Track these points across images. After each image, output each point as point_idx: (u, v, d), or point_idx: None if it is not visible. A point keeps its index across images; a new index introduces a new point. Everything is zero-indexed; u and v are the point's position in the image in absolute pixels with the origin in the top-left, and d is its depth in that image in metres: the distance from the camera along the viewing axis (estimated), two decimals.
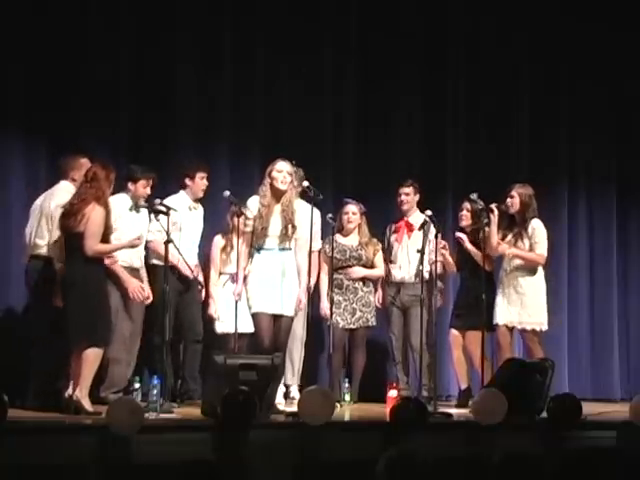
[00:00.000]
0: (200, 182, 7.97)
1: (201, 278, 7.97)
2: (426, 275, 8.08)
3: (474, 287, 8.09)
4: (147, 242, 7.68)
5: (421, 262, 7.93)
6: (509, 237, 8.13)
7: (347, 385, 8.15)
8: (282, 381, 7.79)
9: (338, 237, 8.35)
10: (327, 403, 6.18)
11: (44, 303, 6.99)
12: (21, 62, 7.90)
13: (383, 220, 8.75)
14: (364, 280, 8.41)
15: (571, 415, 6.61)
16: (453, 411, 7.57)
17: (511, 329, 8.11)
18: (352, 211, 8.39)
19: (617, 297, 10.07)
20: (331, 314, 7.83)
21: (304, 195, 7.53)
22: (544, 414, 6.91)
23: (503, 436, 6.33)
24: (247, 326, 7.51)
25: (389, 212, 8.87)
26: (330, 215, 7.75)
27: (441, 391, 8.80)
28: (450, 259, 8.40)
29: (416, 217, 8.45)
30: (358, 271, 8.38)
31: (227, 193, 7.56)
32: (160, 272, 7.27)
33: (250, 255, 7.32)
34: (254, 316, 7.24)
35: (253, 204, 7.29)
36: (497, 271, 8.28)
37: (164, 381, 6.86)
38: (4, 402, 5.52)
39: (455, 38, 9.80)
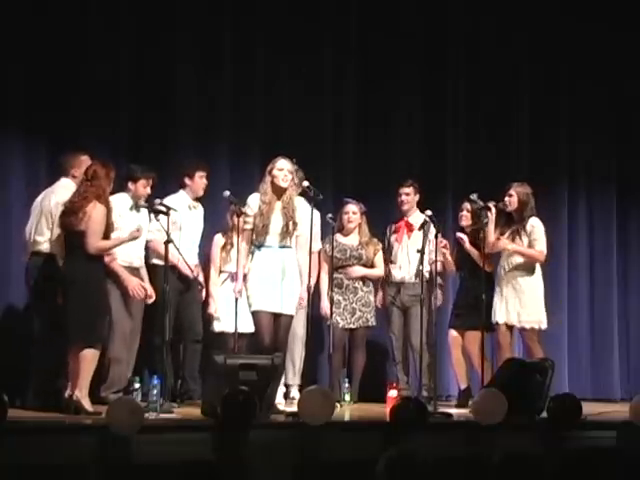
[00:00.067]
0: (199, 181, 7.97)
1: (201, 278, 7.98)
2: (426, 275, 8.08)
3: (474, 287, 8.09)
4: (147, 241, 7.68)
5: (421, 262, 7.93)
6: (506, 235, 8.13)
7: (347, 385, 8.15)
8: (283, 381, 7.80)
9: (338, 237, 8.36)
10: (327, 403, 6.18)
11: (44, 301, 7.00)
12: (21, 62, 7.90)
13: (383, 220, 8.75)
14: (364, 280, 8.41)
15: (571, 415, 6.61)
16: (453, 411, 7.57)
17: (511, 328, 8.11)
18: (352, 211, 8.40)
19: (617, 297, 10.07)
20: (331, 314, 7.83)
21: (304, 195, 7.53)
22: (544, 414, 6.91)
23: (503, 436, 6.33)
24: (246, 326, 7.51)
25: (389, 212, 8.87)
26: (330, 215, 7.75)
27: (441, 391, 8.80)
28: (450, 258, 8.41)
29: (416, 217, 8.45)
30: (358, 270, 8.38)
31: (227, 193, 7.56)
32: (160, 272, 7.27)
33: (250, 253, 7.32)
34: (254, 314, 7.23)
35: (254, 201, 7.27)
36: (496, 271, 8.28)
37: (164, 381, 6.86)
38: (4, 402, 5.52)
39: (455, 38, 9.80)
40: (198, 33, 8.70)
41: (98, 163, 6.89)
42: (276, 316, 7.20)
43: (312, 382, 7.62)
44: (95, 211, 6.64)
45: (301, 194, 7.53)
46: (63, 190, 7.09)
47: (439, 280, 8.21)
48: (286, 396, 8.05)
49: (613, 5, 10.04)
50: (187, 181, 7.97)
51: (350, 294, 8.35)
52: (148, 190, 7.59)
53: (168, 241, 7.04)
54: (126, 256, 7.45)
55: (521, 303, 8.04)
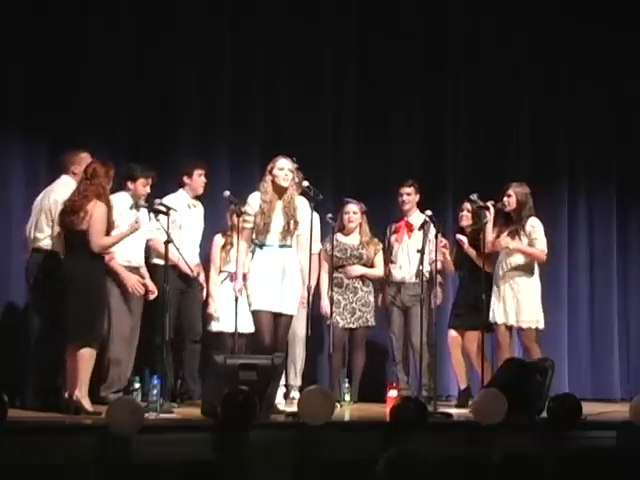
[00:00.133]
0: (198, 179, 7.97)
1: (203, 277, 7.99)
2: (426, 275, 8.08)
3: (473, 287, 8.09)
4: (147, 240, 7.69)
5: (421, 262, 7.92)
6: (505, 235, 8.12)
7: (347, 385, 8.15)
8: (283, 381, 7.81)
9: (339, 236, 8.37)
10: (327, 403, 6.17)
11: (44, 298, 7.00)
12: (21, 62, 7.90)
13: (383, 220, 8.75)
14: (364, 280, 8.41)
15: (571, 415, 6.61)
16: (453, 411, 7.57)
17: (510, 328, 8.11)
18: (353, 210, 8.40)
19: (617, 297, 10.08)
20: (331, 313, 7.83)
21: (304, 195, 7.52)
22: (544, 414, 6.91)
23: (503, 436, 6.32)
24: (245, 326, 7.51)
25: (389, 212, 8.87)
26: (330, 215, 7.75)
27: (441, 391, 8.80)
28: (449, 258, 8.41)
29: (416, 217, 8.45)
30: (357, 269, 8.38)
31: (227, 193, 7.56)
32: (161, 271, 7.27)
33: (251, 252, 7.31)
34: (254, 314, 7.21)
35: (254, 200, 7.25)
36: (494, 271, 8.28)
37: (164, 381, 6.86)
38: (4, 402, 5.52)
39: (455, 38, 9.80)
40: (198, 33, 8.70)
41: (97, 161, 6.89)
42: (276, 316, 7.20)
43: (312, 382, 7.63)
44: (96, 210, 6.64)
45: (301, 194, 7.54)
46: (63, 187, 7.09)
47: (439, 279, 8.22)
48: (286, 396, 8.05)
49: (613, 5, 10.04)
50: (186, 180, 7.97)
51: (350, 294, 8.35)
52: (148, 189, 7.60)
53: (168, 241, 7.04)
54: (125, 255, 7.45)
55: (518, 303, 8.03)
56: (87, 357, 6.60)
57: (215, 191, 7.95)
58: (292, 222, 7.20)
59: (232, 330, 7.65)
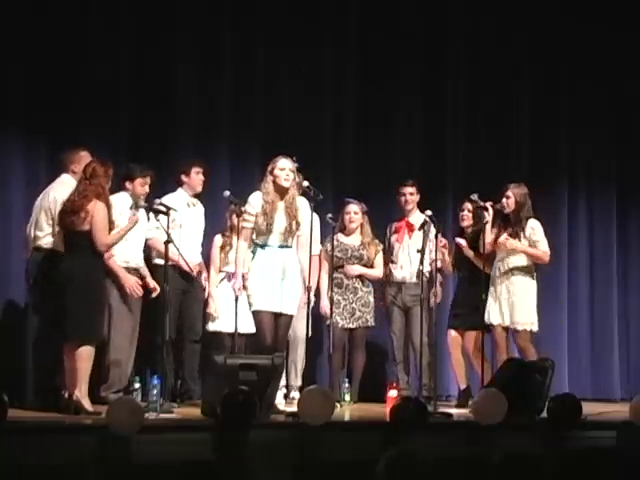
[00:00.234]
0: (196, 177, 7.97)
1: (205, 276, 7.99)
2: (426, 275, 8.08)
3: (473, 288, 8.09)
4: (146, 240, 7.68)
5: (421, 262, 7.92)
6: (504, 236, 8.11)
7: (347, 385, 8.15)
8: (283, 381, 7.81)
9: (340, 236, 8.38)
10: (327, 403, 6.17)
11: (43, 297, 6.99)
12: (21, 62, 7.90)
13: (383, 220, 8.75)
14: (363, 280, 8.41)
15: (571, 415, 6.61)
16: (453, 411, 7.57)
17: (507, 329, 8.11)
18: (354, 211, 8.40)
19: (617, 297, 10.08)
20: (331, 313, 7.83)
21: (304, 195, 7.52)
22: (544, 414, 6.91)
23: (503, 436, 6.32)
24: (243, 326, 7.51)
25: (389, 212, 8.87)
26: (330, 215, 7.74)
27: (441, 391, 8.80)
28: (448, 259, 8.41)
29: (416, 217, 8.45)
30: (356, 269, 8.38)
31: (227, 193, 7.56)
32: (161, 271, 7.26)
33: (252, 252, 7.30)
34: (255, 314, 7.19)
35: (256, 200, 7.22)
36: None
37: (164, 381, 6.86)
38: (4, 402, 5.52)
39: (455, 38, 9.81)
40: (198, 33, 8.71)
41: (97, 161, 6.89)
42: (276, 316, 7.19)
43: (312, 382, 7.62)
44: (97, 210, 6.65)
45: (301, 194, 7.53)
46: (63, 186, 7.09)
47: (439, 278, 8.22)
48: (286, 396, 8.04)
49: (613, 5, 10.04)
50: (184, 178, 7.97)
51: (350, 294, 8.35)
52: (146, 189, 7.59)
53: (168, 241, 7.04)
54: (124, 256, 7.45)
55: (513, 305, 8.02)
56: (86, 356, 6.60)
57: (215, 191, 7.95)
58: (294, 223, 7.19)
59: (229, 330, 7.67)
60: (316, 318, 8.06)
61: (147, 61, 8.48)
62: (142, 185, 7.57)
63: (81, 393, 6.57)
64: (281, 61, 9.07)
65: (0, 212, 7.86)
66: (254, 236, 7.21)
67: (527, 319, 8.04)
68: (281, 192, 7.20)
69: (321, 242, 8.14)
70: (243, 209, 7.26)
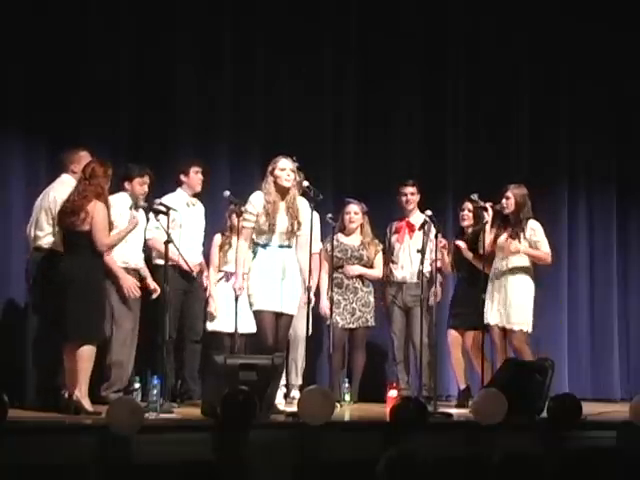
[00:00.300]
0: (195, 176, 7.97)
1: (205, 276, 7.99)
2: (427, 275, 8.08)
3: (472, 288, 8.10)
4: (146, 240, 7.68)
5: (421, 262, 7.92)
6: (504, 237, 8.11)
7: (347, 385, 8.15)
8: (284, 381, 7.80)
9: (340, 236, 8.38)
10: (327, 403, 6.17)
11: (43, 297, 7.00)
12: (21, 62, 7.90)
13: (383, 220, 8.75)
14: (363, 280, 8.41)
15: (571, 415, 6.61)
16: (453, 411, 7.57)
17: (503, 329, 8.10)
18: (354, 211, 8.40)
19: (617, 297, 10.08)
20: (331, 313, 7.83)
21: (304, 195, 7.52)
22: (544, 414, 6.91)
23: (503, 436, 6.32)
24: (243, 326, 7.51)
25: (389, 212, 8.87)
26: (330, 215, 7.74)
27: (441, 391, 8.80)
28: (447, 259, 8.41)
29: (417, 217, 8.45)
30: (355, 268, 8.38)
31: (227, 193, 7.56)
32: (162, 271, 7.27)
33: (252, 252, 7.29)
34: (256, 314, 7.19)
35: (257, 200, 7.21)
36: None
37: (164, 381, 6.86)
38: (4, 402, 5.52)
39: (455, 38, 9.81)
40: (198, 33, 8.71)
41: (96, 161, 6.90)
42: (277, 315, 7.19)
43: (312, 382, 7.62)
44: (96, 210, 6.65)
45: (301, 194, 7.53)
46: (62, 186, 7.10)
47: (439, 278, 8.22)
48: (286, 396, 8.04)
49: (613, 5, 10.05)
50: (183, 178, 7.97)
51: (350, 294, 8.35)
52: (145, 188, 7.59)
53: (168, 241, 7.04)
54: (123, 257, 7.45)
55: (509, 305, 8.01)
56: (87, 356, 6.60)
57: (215, 191, 7.95)
58: (295, 223, 7.19)
59: (228, 330, 7.67)
60: (316, 318, 8.06)
61: (147, 61, 8.48)
62: (141, 185, 7.57)
63: (81, 393, 6.57)
64: (281, 61, 9.07)
65: (0, 212, 7.86)
66: (254, 236, 7.21)
67: (522, 320, 8.03)
68: (282, 192, 7.20)
69: (321, 242, 8.14)
70: (244, 209, 7.26)
